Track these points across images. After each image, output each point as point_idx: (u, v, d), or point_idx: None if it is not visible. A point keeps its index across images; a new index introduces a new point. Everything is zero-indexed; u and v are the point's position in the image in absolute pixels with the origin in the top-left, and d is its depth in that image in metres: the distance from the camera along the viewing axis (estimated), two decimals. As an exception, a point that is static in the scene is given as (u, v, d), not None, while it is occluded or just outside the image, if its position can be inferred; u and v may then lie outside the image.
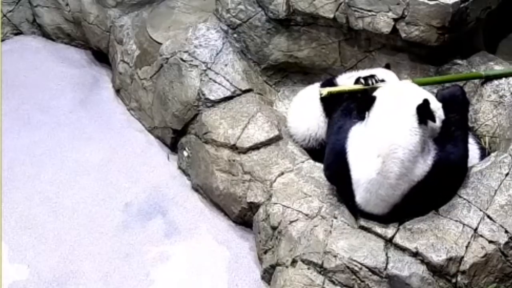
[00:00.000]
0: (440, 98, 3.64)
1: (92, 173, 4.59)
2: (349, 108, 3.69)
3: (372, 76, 3.79)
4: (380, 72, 3.98)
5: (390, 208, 3.45)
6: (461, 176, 3.58)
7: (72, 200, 4.40)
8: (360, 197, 3.47)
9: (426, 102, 3.39)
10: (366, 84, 3.76)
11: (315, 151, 4.09)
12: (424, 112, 3.38)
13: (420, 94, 3.48)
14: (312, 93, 4.14)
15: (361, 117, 3.55)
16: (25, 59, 5.65)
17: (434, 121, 3.42)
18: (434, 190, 3.45)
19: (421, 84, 3.83)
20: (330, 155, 3.64)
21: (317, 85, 4.24)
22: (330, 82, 4.12)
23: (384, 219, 3.48)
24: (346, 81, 4.03)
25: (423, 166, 3.40)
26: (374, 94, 3.54)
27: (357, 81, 3.82)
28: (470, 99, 4.14)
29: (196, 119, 4.47)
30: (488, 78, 4.09)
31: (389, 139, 3.36)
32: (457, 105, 3.62)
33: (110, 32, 5.31)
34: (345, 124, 3.59)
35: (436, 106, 3.52)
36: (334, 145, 3.59)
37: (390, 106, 3.45)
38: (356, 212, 3.55)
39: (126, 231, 4.20)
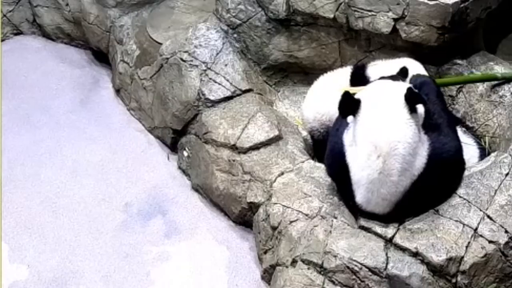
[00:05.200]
0: (416, 86, 3.62)
1: (92, 173, 4.59)
2: None
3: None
4: (405, 62, 3.98)
5: (392, 207, 3.44)
6: (457, 167, 3.57)
7: (72, 200, 4.40)
8: (361, 197, 3.46)
9: (410, 89, 3.39)
10: None
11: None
12: (413, 99, 3.36)
13: (401, 86, 3.47)
14: (343, 75, 4.12)
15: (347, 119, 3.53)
16: (25, 59, 5.65)
17: (424, 102, 3.40)
18: (433, 184, 3.44)
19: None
20: (330, 155, 3.64)
21: (341, 70, 4.24)
22: (361, 69, 4.10)
23: (385, 218, 3.47)
24: (370, 71, 4.02)
25: (421, 157, 3.39)
26: (357, 96, 3.49)
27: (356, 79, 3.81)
28: (470, 99, 4.15)
29: (196, 119, 4.47)
30: (506, 80, 4.05)
31: (386, 138, 3.34)
32: (431, 92, 3.61)
33: (110, 32, 5.32)
34: (342, 125, 3.59)
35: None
36: (334, 146, 3.59)
37: (378, 105, 3.41)
38: (357, 211, 3.55)
39: (126, 231, 4.20)
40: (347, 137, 3.50)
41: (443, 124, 3.54)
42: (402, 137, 3.34)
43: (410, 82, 3.68)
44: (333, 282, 3.40)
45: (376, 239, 3.44)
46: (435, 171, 3.42)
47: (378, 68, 4.06)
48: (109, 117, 5.05)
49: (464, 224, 3.39)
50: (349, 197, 3.53)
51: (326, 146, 3.81)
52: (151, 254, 4.06)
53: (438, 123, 3.53)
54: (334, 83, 4.12)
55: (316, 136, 4.24)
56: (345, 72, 4.20)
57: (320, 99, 4.20)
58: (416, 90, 3.49)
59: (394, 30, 4.12)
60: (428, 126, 3.49)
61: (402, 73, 3.77)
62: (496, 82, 4.08)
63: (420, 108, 3.43)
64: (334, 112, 3.92)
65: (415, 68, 3.96)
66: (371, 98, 3.45)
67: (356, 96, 3.47)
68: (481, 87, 4.13)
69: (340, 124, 3.61)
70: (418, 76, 3.83)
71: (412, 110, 3.37)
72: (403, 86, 3.45)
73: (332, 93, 3.93)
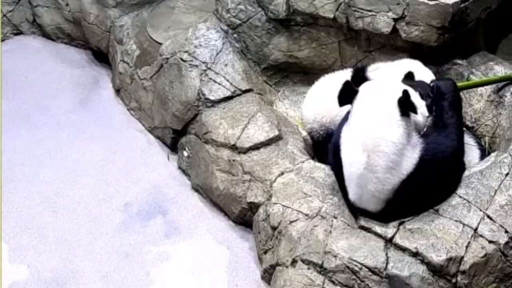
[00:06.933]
0: (435, 87, 3.64)
1: (92, 173, 4.59)
2: None
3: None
4: (406, 63, 3.97)
5: (383, 204, 3.44)
6: (454, 167, 3.57)
7: (72, 200, 4.40)
8: (352, 193, 3.47)
9: (406, 94, 3.38)
10: None
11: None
12: (405, 105, 3.37)
13: (399, 88, 3.47)
14: (343, 77, 4.11)
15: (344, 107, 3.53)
16: (25, 59, 5.65)
17: (415, 112, 3.40)
18: (426, 184, 3.44)
19: None
20: (331, 148, 3.66)
21: (341, 72, 4.24)
22: (362, 71, 4.09)
23: (380, 216, 3.47)
24: (371, 74, 4.02)
25: (411, 159, 3.39)
26: (358, 88, 3.51)
27: (357, 80, 3.80)
28: (470, 99, 4.15)
29: (196, 119, 4.47)
30: None
31: (372, 133, 3.35)
32: (449, 93, 3.61)
33: (110, 32, 5.32)
34: (344, 120, 3.60)
35: (419, 104, 3.50)
36: (336, 139, 3.59)
37: (372, 100, 3.43)
38: (353, 209, 3.55)
39: (126, 231, 4.20)
40: (343, 131, 3.51)
41: (451, 125, 3.55)
42: (386, 135, 3.34)
43: (431, 85, 3.68)
44: (333, 282, 3.41)
45: (376, 239, 3.44)
46: (429, 171, 3.42)
47: (379, 70, 4.05)
48: (109, 117, 5.05)
49: (464, 224, 3.39)
50: (344, 194, 3.54)
51: (326, 147, 3.83)
52: (151, 254, 4.06)
53: (447, 123, 3.54)
54: (334, 84, 4.11)
55: (315, 137, 4.24)
56: (346, 74, 4.20)
57: (320, 100, 4.20)
58: (417, 95, 3.51)
59: (394, 30, 4.12)
60: (436, 125, 3.50)
61: (409, 79, 3.76)
62: (501, 84, 4.07)
63: (419, 117, 3.44)
64: (335, 114, 3.93)
65: (417, 68, 3.96)
66: (367, 93, 3.47)
67: (357, 89, 3.49)
68: (482, 87, 4.12)
69: (344, 118, 3.62)
70: (440, 79, 3.83)
71: (404, 113, 3.37)
72: (401, 89, 3.45)
73: (332, 95, 3.92)
